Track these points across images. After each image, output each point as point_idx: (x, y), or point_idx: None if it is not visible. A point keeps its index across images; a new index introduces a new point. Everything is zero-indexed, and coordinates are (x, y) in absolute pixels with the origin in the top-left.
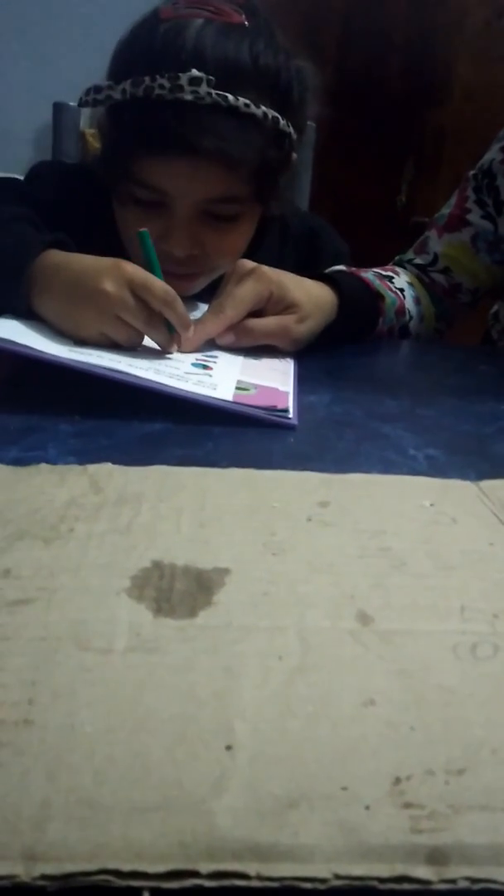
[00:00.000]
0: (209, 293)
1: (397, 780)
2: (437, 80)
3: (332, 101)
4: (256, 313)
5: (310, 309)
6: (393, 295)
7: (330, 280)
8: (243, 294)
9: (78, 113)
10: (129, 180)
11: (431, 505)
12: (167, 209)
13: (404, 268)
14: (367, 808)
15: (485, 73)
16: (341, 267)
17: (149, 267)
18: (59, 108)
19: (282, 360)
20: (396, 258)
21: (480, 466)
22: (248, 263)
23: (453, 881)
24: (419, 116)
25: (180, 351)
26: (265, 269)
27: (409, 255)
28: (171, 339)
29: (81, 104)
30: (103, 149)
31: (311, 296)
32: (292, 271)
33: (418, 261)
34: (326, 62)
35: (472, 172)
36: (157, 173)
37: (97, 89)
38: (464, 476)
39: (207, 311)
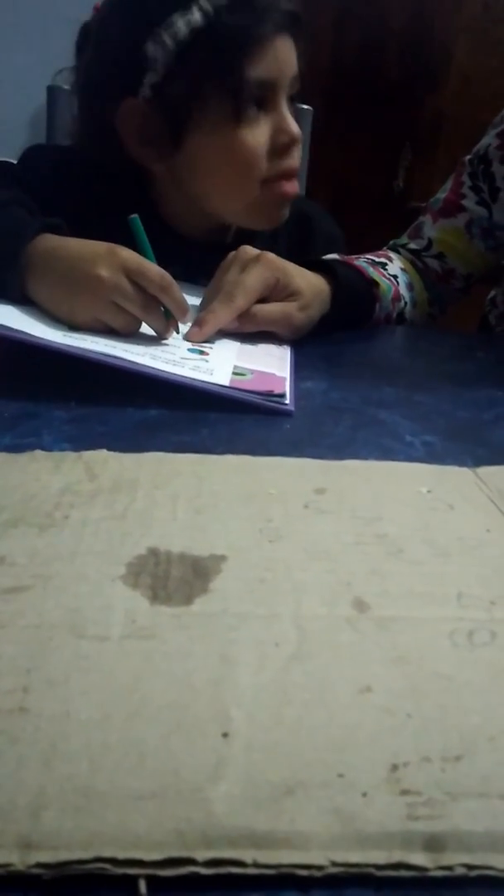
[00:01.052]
0: (204, 278)
1: (394, 768)
2: (435, 65)
3: (328, 85)
4: (260, 300)
5: (311, 297)
6: (387, 281)
7: (324, 269)
8: (252, 281)
9: (73, 97)
10: (241, 88)
11: (428, 491)
12: (271, 102)
13: (398, 252)
14: (364, 795)
15: (482, 57)
16: (334, 256)
17: (142, 252)
18: (53, 92)
19: (278, 346)
20: (391, 242)
21: (478, 453)
22: (252, 250)
23: (450, 868)
24: (416, 101)
25: (190, 340)
26: (270, 255)
27: (404, 239)
28: (167, 324)
29: (157, 52)
30: (183, 91)
31: (312, 284)
32: (284, 256)
33: (412, 245)
34: (323, 47)
35: (467, 158)
36: (266, 60)
37: (171, 27)
38: (461, 462)
39: (215, 298)
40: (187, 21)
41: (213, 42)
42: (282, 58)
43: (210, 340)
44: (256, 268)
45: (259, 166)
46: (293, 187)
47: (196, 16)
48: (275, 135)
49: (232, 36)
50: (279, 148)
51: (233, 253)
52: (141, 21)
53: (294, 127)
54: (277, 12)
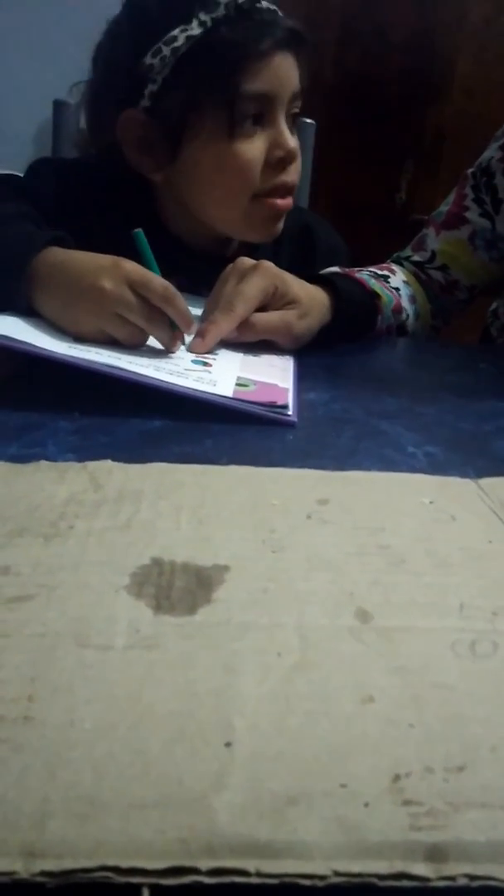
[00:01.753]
0: (207, 289)
1: (396, 778)
2: (437, 79)
3: (331, 99)
4: (259, 309)
5: (309, 306)
6: (389, 293)
7: (325, 282)
8: (250, 290)
9: (78, 111)
10: (236, 101)
11: (431, 502)
12: (268, 117)
13: (401, 265)
14: (367, 805)
15: (485, 71)
16: (335, 269)
17: (147, 265)
18: (59, 106)
19: (281, 357)
20: (394, 255)
21: (480, 464)
22: (249, 260)
23: (452, 878)
24: (419, 115)
25: (193, 351)
26: (267, 263)
27: (407, 252)
28: (173, 336)
29: (156, 64)
30: (180, 102)
31: (310, 294)
32: (286, 267)
33: (416, 258)
34: (326, 61)
35: (470, 170)
36: (263, 74)
37: (171, 39)
38: (463, 474)
39: (215, 308)
40: (186, 34)
41: (210, 55)
42: (280, 73)
43: (213, 351)
44: (254, 277)
45: (252, 179)
46: (287, 202)
47: (195, 29)
48: (271, 149)
49: (229, 49)
50: (275, 162)
51: (231, 265)
52: (143, 33)
53: (291, 142)
54: (278, 28)
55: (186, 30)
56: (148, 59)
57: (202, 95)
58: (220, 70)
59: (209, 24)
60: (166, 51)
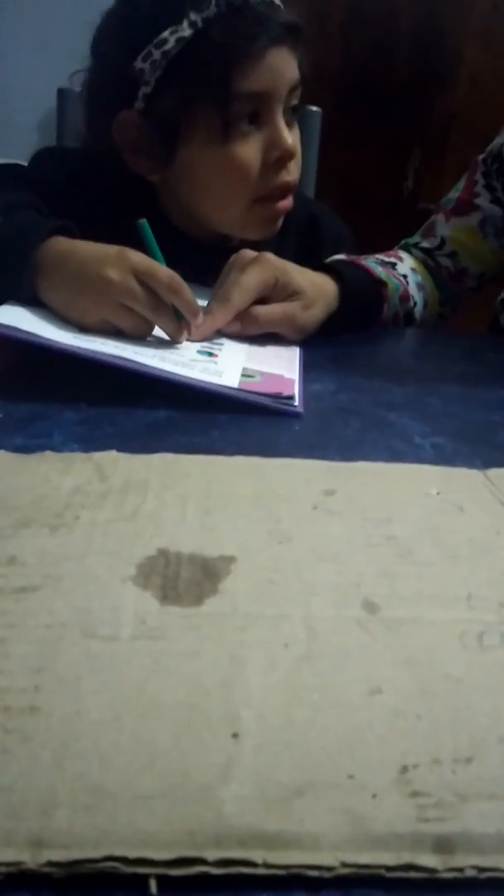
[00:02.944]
0: (212, 280)
1: (404, 769)
2: (444, 66)
3: (337, 87)
4: (261, 301)
5: (314, 296)
6: (396, 281)
7: (330, 270)
8: (249, 281)
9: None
10: (229, 102)
11: (438, 493)
12: (265, 116)
13: (409, 252)
14: (374, 796)
15: (492, 59)
16: (341, 256)
17: (152, 255)
18: (63, 95)
19: (287, 347)
20: (402, 242)
21: (487, 454)
22: (250, 252)
23: (460, 870)
24: (426, 102)
25: (188, 339)
26: (269, 255)
27: (416, 238)
28: (179, 326)
29: (147, 68)
30: (174, 103)
31: (315, 284)
32: (293, 259)
33: (425, 244)
34: (332, 48)
35: (481, 157)
36: (257, 73)
37: (161, 42)
38: (470, 464)
39: (213, 300)
40: (176, 35)
41: (201, 56)
42: (276, 69)
43: (219, 342)
44: (253, 268)
45: (249, 182)
46: (287, 203)
47: (185, 30)
48: (268, 149)
49: (220, 51)
50: (273, 162)
51: (233, 256)
52: (134, 34)
53: (288, 141)
54: (272, 24)
55: (176, 31)
56: (139, 63)
57: (194, 98)
58: (211, 72)
59: (200, 24)
60: (156, 54)
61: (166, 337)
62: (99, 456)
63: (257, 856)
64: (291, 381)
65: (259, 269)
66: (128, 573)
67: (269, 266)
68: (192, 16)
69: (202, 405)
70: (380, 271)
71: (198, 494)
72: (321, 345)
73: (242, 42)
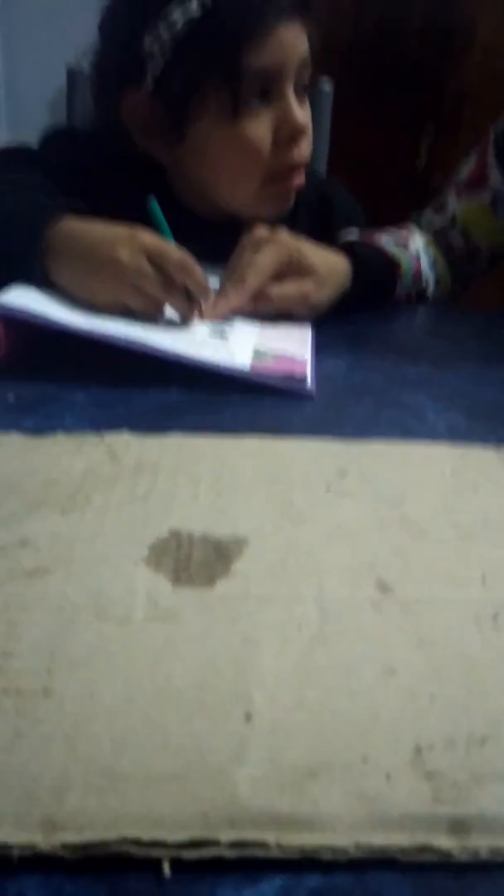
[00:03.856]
0: (223, 258)
1: (418, 750)
2: (458, 41)
3: (349, 61)
4: (274, 278)
5: (327, 275)
6: (409, 260)
7: (344, 249)
8: (263, 261)
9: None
10: (239, 79)
11: (452, 473)
12: (275, 92)
13: (420, 226)
14: (388, 777)
15: None
16: (353, 230)
17: (161, 234)
18: (73, 75)
19: (299, 326)
20: (413, 215)
21: (501, 433)
22: (264, 230)
23: (475, 851)
24: (439, 78)
25: (200, 319)
26: (282, 233)
27: (427, 212)
28: (190, 305)
29: (155, 46)
30: (182, 81)
31: (328, 262)
32: (305, 235)
33: (436, 221)
34: (343, 22)
35: (494, 130)
36: (267, 48)
37: (170, 21)
38: (485, 443)
39: (227, 280)
40: (184, 12)
41: (210, 33)
42: (286, 45)
43: (230, 322)
44: (268, 247)
45: (261, 160)
46: (299, 180)
47: (193, 7)
48: (279, 126)
49: (229, 26)
50: (284, 140)
51: (247, 234)
52: (140, 13)
53: (299, 117)
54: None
55: (185, 9)
56: (147, 42)
57: (204, 76)
58: (220, 49)
59: (208, 2)
60: (164, 33)
61: (177, 318)
62: (111, 438)
63: (271, 837)
64: (304, 362)
65: (273, 248)
66: (140, 555)
67: (283, 244)
68: None
69: (214, 386)
70: (393, 251)
71: (210, 475)
72: (334, 324)
73: (252, 18)
